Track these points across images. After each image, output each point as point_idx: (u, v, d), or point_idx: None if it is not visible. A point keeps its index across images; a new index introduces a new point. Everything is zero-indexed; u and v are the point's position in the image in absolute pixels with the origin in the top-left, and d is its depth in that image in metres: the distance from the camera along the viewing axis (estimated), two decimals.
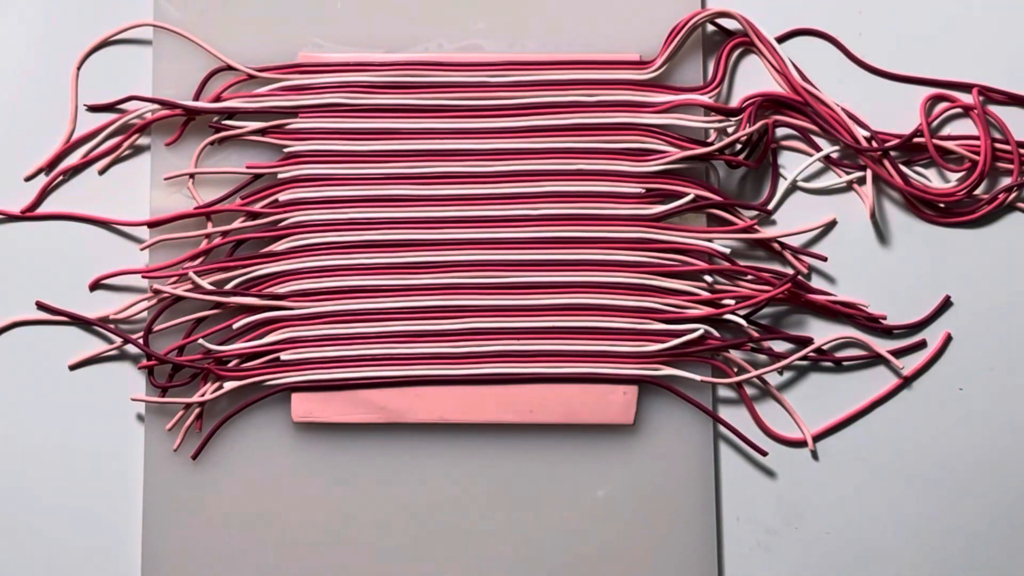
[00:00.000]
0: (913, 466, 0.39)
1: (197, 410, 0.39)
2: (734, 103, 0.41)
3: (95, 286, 0.40)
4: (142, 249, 0.40)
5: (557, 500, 0.39)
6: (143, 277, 0.40)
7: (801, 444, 0.40)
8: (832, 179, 0.41)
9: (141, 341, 0.39)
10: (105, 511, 0.40)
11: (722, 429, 0.40)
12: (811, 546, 0.40)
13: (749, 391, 0.40)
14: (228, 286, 0.39)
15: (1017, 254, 0.41)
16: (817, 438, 0.40)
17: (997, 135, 0.41)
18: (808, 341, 0.40)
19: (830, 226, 0.41)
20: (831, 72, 0.41)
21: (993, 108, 0.41)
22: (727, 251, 0.39)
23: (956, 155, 0.41)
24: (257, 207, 0.40)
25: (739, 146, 0.40)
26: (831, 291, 0.40)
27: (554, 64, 0.40)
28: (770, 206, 0.41)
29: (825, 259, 0.40)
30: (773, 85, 0.41)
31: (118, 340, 0.40)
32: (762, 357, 0.40)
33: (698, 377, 0.39)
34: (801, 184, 0.41)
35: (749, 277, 0.40)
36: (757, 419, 0.40)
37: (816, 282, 0.40)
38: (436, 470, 0.39)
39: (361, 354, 0.39)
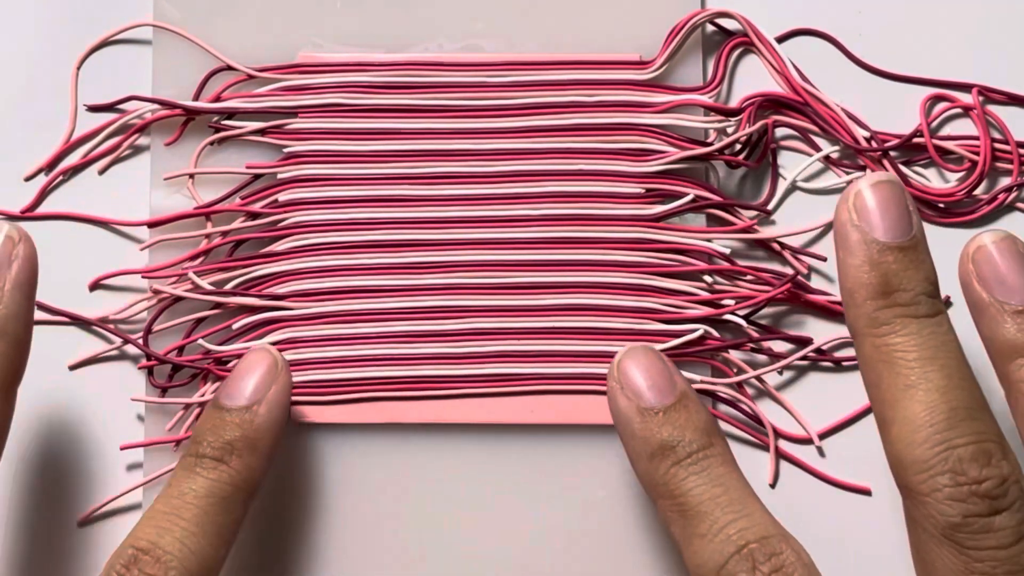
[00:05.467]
0: None
1: (197, 410, 0.39)
2: (734, 103, 0.41)
3: (95, 286, 0.40)
4: (142, 249, 0.40)
5: (557, 500, 0.39)
6: (143, 277, 0.40)
7: (802, 442, 0.40)
8: (832, 179, 0.41)
9: (141, 341, 0.39)
10: (105, 511, 0.40)
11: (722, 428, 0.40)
12: (812, 546, 0.40)
13: (748, 391, 0.40)
14: (228, 286, 0.39)
15: None
16: (819, 437, 0.40)
17: (997, 135, 0.41)
18: (808, 341, 0.40)
19: (829, 226, 0.41)
20: (831, 72, 0.41)
21: (993, 108, 0.41)
22: (727, 251, 0.39)
23: (956, 155, 0.41)
24: (257, 207, 0.40)
25: (739, 146, 0.40)
26: (830, 291, 0.40)
27: (554, 64, 0.40)
28: (770, 206, 0.41)
29: (825, 259, 0.40)
30: (773, 85, 0.41)
31: (118, 340, 0.40)
32: (762, 357, 0.40)
33: (698, 377, 0.39)
34: (801, 184, 0.41)
35: (749, 277, 0.40)
36: (757, 420, 0.40)
37: (816, 282, 0.41)
38: (435, 470, 0.39)
39: (362, 354, 0.39)
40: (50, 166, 0.41)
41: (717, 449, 0.33)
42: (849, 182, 0.41)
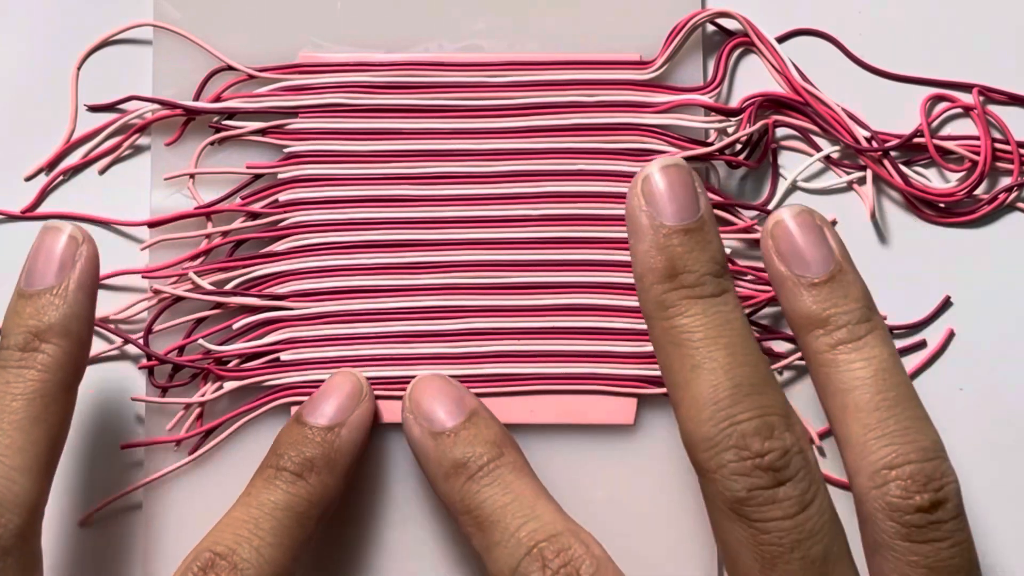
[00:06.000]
0: None
1: (197, 410, 0.39)
2: (734, 103, 0.41)
3: None
4: (142, 249, 0.40)
5: (557, 500, 0.39)
6: (143, 277, 0.40)
7: None
8: (832, 179, 0.41)
9: (141, 341, 0.39)
10: (104, 511, 0.40)
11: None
12: None
13: None
14: (228, 286, 0.39)
15: (1017, 254, 0.41)
16: (820, 438, 0.40)
17: (997, 135, 0.41)
18: None
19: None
20: (831, 72, 0.41)
21: (993, 108, 0.41)
22: (727, 251, 0.39)
23: (956, 155, 0.41)
24: (257, 207, 0.40)
25: (739, 146, 0.40)
26: None
27: (554, 64, 0.40)
28: (770, 206, 0.41)
29: None
30: (773, 85, 0.41)
31: (118, 340, 0.40)
32: None
33: None
34: (801, 184, 0.41)
35: (749, 277, 0.40)
36: None
37: None
38: None
39: (362, 354, 0.39)
40: (50, 166, 0.41)
41: (507, 459, 0.34)
42: (849, 182, 0.41)
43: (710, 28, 0.41)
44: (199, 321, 0.39)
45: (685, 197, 0.31)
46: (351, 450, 0.36)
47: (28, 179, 0.41)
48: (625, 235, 0.39)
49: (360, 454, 0.37)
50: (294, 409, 0.39)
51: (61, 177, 0.41)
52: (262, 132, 0.40)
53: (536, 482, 0.34)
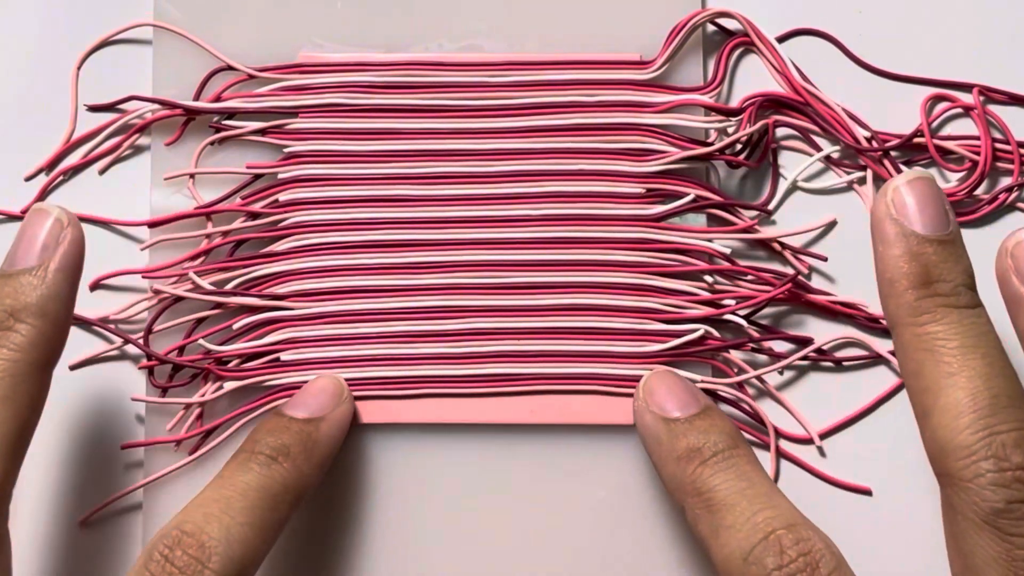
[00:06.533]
0: (914, 466, 0.39)
1: (197, 410, 0.39)
2: (734, 103, 0.41)
3: (95, 286, 0.40)
4: (142, 249, 0.40)
5: (557, 500, 0.39)
6: (143, 277, 0.40)
7: (802, 442, 0.40)
8: (832, 179, 0.41)
9: (141, 341, 0.39)
10: (104, 511, 0.40)
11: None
12: None
13: (749, 391, 0.40)
14: (228, 286, 0.39)
15: None
16: (820, 438, 0.40)
17: (997, 135, 0.41)
18: (808, 341, 0.40)
19: (830, 226, 0.41)
20: (831, 72, 0.41)
21: (993, 108, 0.41)
22: (727, 251, 0.39)
23: (956, 155, 0.41)
24: (257, 207, 0.40)
25: (739, 146, 0.40)
26: (831, 291, 0.40)
27: (554, 64, 0.40)
28: (770, 206, 0.41)
29: (825, 259, 0.40)
30: (773, 85, 0.41)
31: (118, 340, 0.40)
32: (762, 357, 0.40)
33: (698, 377, 0.39)
34: (801, 184, 0.41)
35: (749, 277, 0.40)
36: (758, 420, 0.40)
37: (816, 282, 0.40)
38: (435, 470, 0.39)
39: (362, 354, 0.39)
40: (50, 166, 0.41)
41: (742, 451, 0.34)
42: (849, 182, 0.41)
43: (710, 28, 0.41)
44: (199, 321, 0.39)
45: (936, 210, 0.31)
46: (328, 443, 0.36)
47: (28, 179, 0.41)
48: (626, 235, 0.39)
49: (337, 450, 0.37)
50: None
51: (61, 177, 0.41)
52: (262, 132, 0.40)
53: (770, 478, 0.34)
